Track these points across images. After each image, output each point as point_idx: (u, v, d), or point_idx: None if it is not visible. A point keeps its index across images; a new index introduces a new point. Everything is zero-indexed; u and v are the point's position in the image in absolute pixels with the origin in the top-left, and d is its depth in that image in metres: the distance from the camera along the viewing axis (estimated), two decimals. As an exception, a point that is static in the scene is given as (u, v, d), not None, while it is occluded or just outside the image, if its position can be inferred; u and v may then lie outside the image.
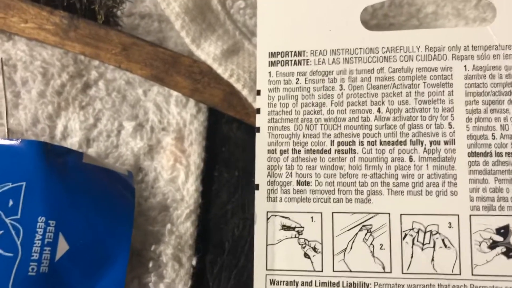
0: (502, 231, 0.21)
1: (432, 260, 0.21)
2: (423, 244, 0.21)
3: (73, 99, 0.27)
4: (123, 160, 0.26)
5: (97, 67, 0.27)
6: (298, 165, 0.22)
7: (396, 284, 0.21)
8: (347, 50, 0.22)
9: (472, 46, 0.22)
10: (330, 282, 0.21)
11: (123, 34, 0.25)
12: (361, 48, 0.22)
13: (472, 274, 0.21)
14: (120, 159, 0.26)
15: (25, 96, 0.26)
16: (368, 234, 0.21)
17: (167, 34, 0.28)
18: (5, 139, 0.23)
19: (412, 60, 0.22)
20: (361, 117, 0.22)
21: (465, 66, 0.22)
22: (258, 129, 0.23)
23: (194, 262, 0.24)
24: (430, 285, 0.21)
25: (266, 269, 0.22)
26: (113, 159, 0.26)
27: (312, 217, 0.22)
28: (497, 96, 0.21)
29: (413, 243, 0.21)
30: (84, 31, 0.25)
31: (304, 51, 0.23)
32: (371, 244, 0.21)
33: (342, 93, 0.22)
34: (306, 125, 0.22)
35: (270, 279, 0.22)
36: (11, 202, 0.22)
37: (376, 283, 0.21)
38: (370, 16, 0.28)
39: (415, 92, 0.22)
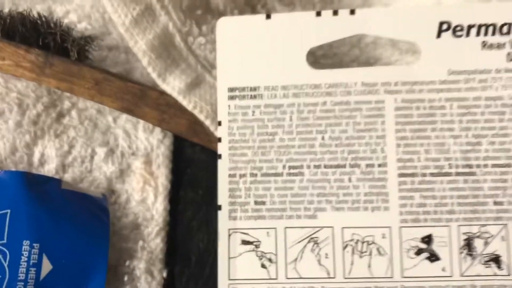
0: (426, 239, 0.25)
1: (369, 266, 0.25)
2: (361, 253, 0.25)
3: (48, 128, 0.29)
4: (97, 184, 0.28)
5: (70, 97, 0.29)
6: (255, 187, 0.26)
7: (339, 288, 0.25)
8: (295, 86, 0.26)
9: (401, 82, 0.26)
10: (284, 288, 0.25)
11: (95, 70, 0.27)
12: (307, 84, 0.26)
13: (402, 277, 0.25)
14: (94, 182, 0.28)
15: (3, 126, 0.29)
16: (315, 245, 0.25)
17: (133, 65, 0.30)
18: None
19: (350, 95, 0.26)
20: (308, 144, 0.26)
21: (395, 99, 0.26)
22: (220, 156, 0.26)
23: (164, 274, 0.27)
24: (367, 287, 0.25)
25: (229, 279, 0.25)
26: (87, 183, 0.28)
27: (267, 232, 0.25)
28: (422, 125, 0.25)
29: (353, 252, 0.25)
30: (58, 68, 0.27)
31: (258, 87, 0.26)
32: (317, 253, 0.25)
33: (291, 124, 0.26)
34: (261, 151, 0.26)
35: (232, 288, 0.25)
36: (-3, 228, 0.24)
37: (323, 287, 0.25)
38: (318, 47, 0.31)
39: (353, 122, 0.25)
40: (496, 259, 0.25)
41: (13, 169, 0.28)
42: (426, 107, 0.25)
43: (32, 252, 0.24)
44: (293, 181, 0.25)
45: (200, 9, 0.29)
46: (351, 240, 0.25)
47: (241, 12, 0.30)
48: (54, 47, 0.27)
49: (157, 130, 0.29)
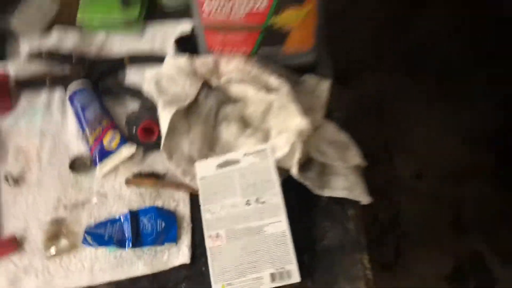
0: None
1: None
2: None
3: (157, 196, 1.12)
4: (168, 207, 1.11)
5: (163, 190, 1.13)
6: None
7: None
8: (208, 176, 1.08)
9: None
10: None
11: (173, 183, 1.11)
12: (214, 174, 1.08)
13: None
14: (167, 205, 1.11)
15: (147, 197, 1.12)
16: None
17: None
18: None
19: (224, 168, 1.08)
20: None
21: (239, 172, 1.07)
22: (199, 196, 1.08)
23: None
24: None
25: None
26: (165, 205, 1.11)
27: None
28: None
29: None
30: (166, 184, 1.11)
31: (205, 176, 1.08)
32: None
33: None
34: (208, 191, 1.08)
35: None
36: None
37: None
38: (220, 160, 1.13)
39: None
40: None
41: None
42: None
43: (160, 220, 1.05)
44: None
45: (190, 162, 1.12)
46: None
47: (205, 156, 1.13)
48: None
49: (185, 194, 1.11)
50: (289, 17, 1.12)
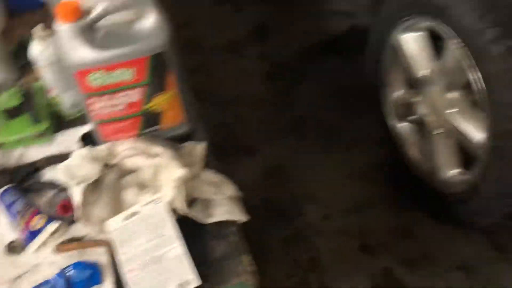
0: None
1: None
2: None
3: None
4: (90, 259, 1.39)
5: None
6: (120, 246, 1.37)
7: None
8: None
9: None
10: None
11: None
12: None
13: None
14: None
15: (74, 260, 1.40)
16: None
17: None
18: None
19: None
20: (127, 234, 1.39)
21: (139, 220, 1.40)
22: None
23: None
24: None
25: None
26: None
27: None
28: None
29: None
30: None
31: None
32: None
33: (123, 232, 1.39)
34: (120, 239, 1.38)
35: None
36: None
37: None
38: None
39: (133, 227, 1.39)
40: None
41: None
42: (145, 219, 1.39)
43: (85, 270, 1.33)
44: (126, 241, 1.37)
45: (103, 223, 1.43)
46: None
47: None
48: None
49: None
50: (158, 102, 1.53)
